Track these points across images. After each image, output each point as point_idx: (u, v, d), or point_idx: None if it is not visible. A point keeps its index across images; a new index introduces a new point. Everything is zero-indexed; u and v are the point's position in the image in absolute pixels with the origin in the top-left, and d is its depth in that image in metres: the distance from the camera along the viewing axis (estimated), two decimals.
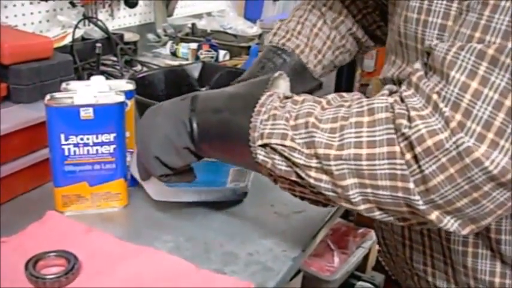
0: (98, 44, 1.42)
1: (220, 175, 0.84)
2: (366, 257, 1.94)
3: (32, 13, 1.55)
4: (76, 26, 1.47)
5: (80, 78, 1.32)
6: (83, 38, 1.53)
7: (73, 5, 1.63)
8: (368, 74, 1.47)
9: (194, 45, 1.72)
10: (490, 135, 0.51)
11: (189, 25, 1.97)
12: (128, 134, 0.85)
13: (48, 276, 0.66)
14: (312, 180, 0.60)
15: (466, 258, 0.73)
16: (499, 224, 0.69)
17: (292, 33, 0.95)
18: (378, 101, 0.57)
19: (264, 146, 0.63)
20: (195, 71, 1.15)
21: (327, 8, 0.97)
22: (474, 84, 0.52)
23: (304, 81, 0.95)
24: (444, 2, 0.64)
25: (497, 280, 0.72)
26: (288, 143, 0.60)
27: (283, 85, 0.70)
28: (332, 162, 0.57)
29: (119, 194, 0.84)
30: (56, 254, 0.69)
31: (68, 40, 1.44)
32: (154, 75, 1.12)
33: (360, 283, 1.91)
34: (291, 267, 0.74)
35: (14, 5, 1.49)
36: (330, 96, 0.63)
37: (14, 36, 1.11)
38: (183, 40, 1.84)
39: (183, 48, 1.75)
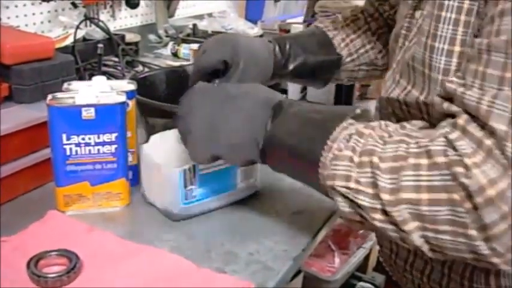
0: (100, 45, 1.43)
1: (230, 178, 0.85)
2: (366, 258, 1.94)
3: (33, 14, 1.55)
4: (77, 27, 1.47)
5: (81, 78, 1.32)
6: (84, 39, 1.53)
7: (75, 5, 1.64)
8: None
9: (195, 46, 1.72)
10: None
11: (190, 26, 1.98)
12: (129, 134, 0.85)
13: (49, 275, 0.66)
14: (377, 223, 0.59)
15: (466, 269, 0.74)
16: None
17: (325, 20, 1.02)
18: (435, 144, 0.56)
19: (330, 187, 0.62)
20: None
21: (350, 21, 1.00)
22: None
23: (325, 49, 0.98)
24: (450, 27, 0.64)
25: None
26: (352, 185, 0.59)
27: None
28: (394, 208, 0.56)
29: (120, 194, 0.85)
30: (58, 253, 0.70)
31: (69, 41, 1.44)
32: (156, 76, 1.12)
33: (361, 284, 1.90)
34: (291, 266, 0.74)
35: (16, 6, 1.50)
36: (392, 128, 0.62)
37: (16, 36, 1.11)
38: (184, 41, 1.85)
39: (184, 49, 1.76)
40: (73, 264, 0.68)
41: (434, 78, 0.67)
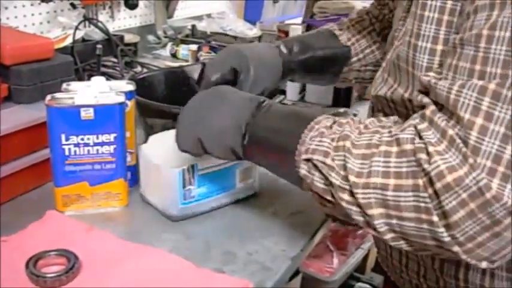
0: (99, 45, 1.43)
1: (229, 179, 0.85)
2: (365, 258, 1.94)
3: (32, 14, 1.55)
4: (76, 28, 1.48)
5: (80, 79, 1.32)
6: (83, 39, 1.53)
7: (74, 6, 1.64)
8: None
9: (194, 47, 1.72)
10: (501, 169, 0.51)
11: (189, 27, 1.98)
12: (128, 134, 0.85)
13: (48, 275, 0.66)
14: (344, 203, 0.60)
15: (458, 268, 0.74)
16: None
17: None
18: (404, 133, 0.58)
19: (307, 160, 0.64)
20: (195, 73, 1.15)
21: (355, 22, 1.02)
22: (479, 121, 0.52)
23: (329, 43, 1.00)
24: (433, 27, 0.65)
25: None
26: (328, 161, 0.61)
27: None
28: (360, 190, 0.58)
29: (119, 194, 0.85)
30: (57, 253, 0.70)
31: (68, 41, 1.44)
32: (155, 77, 1.12)
33: (359, 284, 1.90)
34: (289, 266, 0.74)
35: (15, 6, 1.50)
36: (368, 120, 0.65)
37: (15, 37, 1.11)
38: (183, 42, 1.85)
39: (183, 50, 1.76)
40: (72, 264, 0.68)
41: (417, 76, 0.68)
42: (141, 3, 1.89)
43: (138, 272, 0.69)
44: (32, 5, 1.54)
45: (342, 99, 1.37)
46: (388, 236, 0.59)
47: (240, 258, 0.74)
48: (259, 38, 1.93)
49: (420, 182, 0.54)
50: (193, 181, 0.81)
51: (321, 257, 1.81)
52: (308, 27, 1.82)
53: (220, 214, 0.85)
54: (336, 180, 0.61)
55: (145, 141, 0.88)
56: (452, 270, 0.74)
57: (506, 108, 0.52)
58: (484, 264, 0.56)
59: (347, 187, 0.60)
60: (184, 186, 0.80)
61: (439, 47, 0.65)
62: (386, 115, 0.77)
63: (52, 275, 0.66)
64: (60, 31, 1.50)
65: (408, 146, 0.56)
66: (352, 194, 0.59)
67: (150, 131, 0.95)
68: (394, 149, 0.57)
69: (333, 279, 1.74)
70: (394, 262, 0.84)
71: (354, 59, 1.01)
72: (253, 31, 1.93)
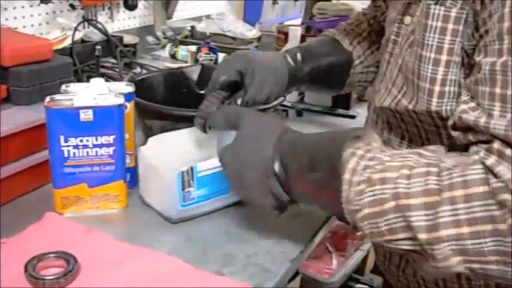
0: (98, 47, 1.43)
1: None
2: (364, 260, 1.93)
3: (31, 15, 1.55)
4: (76, 29, 1.48)
5: (79, 80, 1.32)
6: (82, 41, 1.53)
7: (73, 7, 1.64)
8: None
9: (193, 48, 1.72)
10: None
11: (189, 28, 1.98)
12: (127, 136, 0.85)
13: (47, 277, 0.66)
14: (418, 261, 0.58)
15: (460, 278, 0.74)
16: None
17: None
18: (471, 172, 0.53)
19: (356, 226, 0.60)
20: (194, 74, 1.15)
21: (354, 26, 1.02)
22: None
23: (335, 50, 1.00)
24: (437, 36, 0.64)
25: None
26: (388, 237, 0.57)
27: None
28: (434, 247, 0.54)
29: (118, 196, 0.85)
30: (55, 255, 0.70)
31: (67, 42, 1.44)
32: (154, 78, 1.12)
33: (359, 286, 1.90)
34: (289, 268, 0.74)
35: (14, 7, 1.50)
36: (410, 160, 0.58)
37: (14, 38, 1.11)
38: (182, 43, 1.85)
39: (182, 51, 1.76)
40: (71, 266, 0.68)
41: (422, 87, 0.67)
42: (140, 4, 1.89)
43: (137, 274, 0.69)
44: (31, 6, 1.54)
45: (341, 101, 1.37)
46: (471, 274, 0.56)
47: (239, 260, 0.74)
48: (259, 39, 1.93)
49: (502, 226, 0.50)
50: (193, 183, 0.80)
51: (320, 258, 1.81)
52: (307, 29, 1.82)
53: (219, 216, 0.85)
54: (403, 246, 0.56)
55: (144, 143, 0.87)
56: (454, 278, 0.74)
57: None
58: None
59: (418, 248, 0.55)
60: (183, 188, 0.80)
61: (444, 57, 0.63)
62: (391, 125, 0.76)
63: (51, 277, 0.66)
64: (59, 32, 1.50)
65: (479, 188, 0.52)
66: (425, 252, 0.55)
67: (149, 132, 0.95)
68: (460, 192, 0.53)
69: (332, 280, 1.74)
70: (391, 267, 0.84)
71: (357, 61, 1.00)
72: (252, 32, 1.93)
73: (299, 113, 1.35)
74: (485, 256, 0.52)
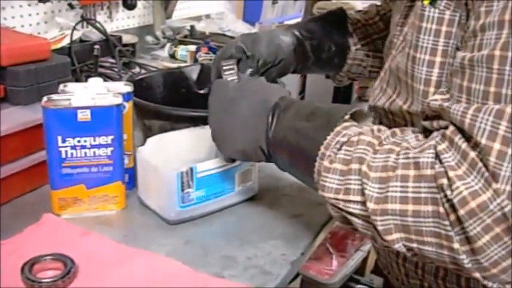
0: (96, 46, 1.42)
1: (228, 182, 0.84)
2: (364, 260, 1.93)
3: (30, 15, 1.54)
4: (74, 28, 1.47)
5: (77, 80, 1.31)
6: (81, 40, 1.52)
7: (71, 6, 1.63)
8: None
9: (193, 48, 1.72)
10: None
11: (188, 27, 1.97)
12: (125, 136, 0.84)
13: (44, 280, 0.65)
14: (361, 229, 0.61)
15: (460, 279, 0.73)
16: None
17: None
18: (424, 155, 0.56)
19: (321, 186, 0.64)
20: (193, 74, 1.15)
21: (362, 13, 1.00)
22: (497, 146, 0.51)
23: (338, 29, 0.99)
24: (431, 38, 0.64)
25: None
26: (341, 196, 0.61)
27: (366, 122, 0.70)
28: (378, 218, 0.57)
29: (116, 197, 0.84)
30: (53, 257, 0.69)
31: (66, 42, 1.43)
32: (153, 78, 1.11)
33: (359, 286, 1.90)
34: (289, 271, 0.73)
35: (12, 7, 1.49)
36: (384, 135, 0.63)
37: (12, 37, 1.10)
38: (181, 42, 1.84)
39: (182, 51, 1.75)
40: (68, 268, 0.67)
41: (416, 89, 0.67)
42: (139, 4, 1.88)
43: (135, 276, 0.68)
44: (29, 5, 1.53)
45: (341, 100, 1.36)
46: (409, 254, 0.59)
47: (239, 263, 0.73)
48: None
49: (441, 209, 0.53)
50: (192, 184, 0.80)
51: (321, 259, 1.80)
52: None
53: (219, 217, 0.84)
54: (355, 209, 0.60)
55: (143, 144, 0.87)
56: (453, 278, 0.73)
57: None
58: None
59: (365, 213, 0.59)
60: (182, 189, 0.79)
61: (438, 59, 0.64)
62: (384, 126, 0.76)
63: (48, 280, 0.65)
64: (58, 32, 1.50)
65: (427, 171, 0.55)
66: (370, 221, 0.59)
67: (148, 132, 0.94)
68: (412, 172, 0.56)
69: (332, 281, 1.73)
70: (394, 270, 0.83)
71: (359, 44, 0.99)
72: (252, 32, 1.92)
73: None
74: (423, 236, 0.55)
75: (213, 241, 0.78)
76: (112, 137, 0.80)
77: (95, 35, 1.55)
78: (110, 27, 1.79)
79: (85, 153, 0.80)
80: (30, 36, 1.29)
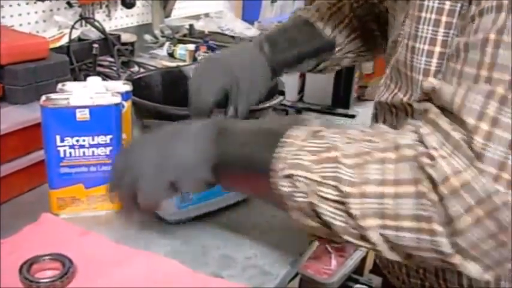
0: (95, 45, 1.41)
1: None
2: (363, 260, 1.93)
3: (28, 13, 1.54)
4: (73, 27, 1.46)
5: (76, 79, 1.31)
6: (79, 39, 1.52)
7: (70, 5, 1.62)
8: (366, 76, 1.46)
9: (192, 47, 1.71)
10: (506, 176, 0.50)
11: (187, 26, 1.97)
12: (124, 135, 0.84)
13: (42, 280, 0.65)
14: (333, 218, 0.57)
15: (461, 278, 0.73)
16: None
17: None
18: (403, 137, 0.56)
19: (288, 176, 0.59)
20: (192, 73, 1.14)
21: (336, 9, 0.97)
22: (484, 126, 0.51)
23: (312, 37, 0.97)
24: (431, 28, 0.63)
25: None
26: (314, 176, 0.57)
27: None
28: (354, 200, 0.55)
29: None
30: (51, 257, 0.69)
31: (64, 41, 1.43)
32: (152, 77, 1.11)
33: (358, 286, 1.90)
34: (289, 271, 0.73)
35: (10, 5, 1.48)
36: (350, 131, 0.61)
37: (10, 36, 1.10)
38: (180, 41, 1.84)
39: (181, 50, 1.74)
40: (66, 268, 0.67)
41: (415, 79, 0.67)
42: (138, 2, 1.87)
43: (134, 276, 0.68)
44: (27, 3, 1.53)
45: (341, 100, 1.36)
46: (383, 248, 0.56)
47: (238, 263, 0.73)
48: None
49: (422, 187, 0.52)
50: None
51: (319, 258, 1.81)
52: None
53: (217, 217, 0.84)
54: (327, 194, 0.56)
55: None
56: (455, 278, 0.73)
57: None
58: (486, 276, 0.54)
59: (338, 198, 0.56)
60: None
61: (437, 49, 0.63)
62: (386, 123, 0.75)
63: (46, 280, 0.65)
64: (56, 30, 1.49)
65: (408, 152, 0.54)
66: (342, 204, 0.56)
67: (147, 132, 0.94)
68: (391, 155, 0.55)
69: (331, 281, 1.74)
70: (395, 269, 0.83)
71: (336, 49, 0.98)
72: (251, 31, 1.92)
73: (298, 113, 1.34)
74: (402, 220, 0.53)
75: (211, 241, 0.77)
76: (111, 136, 0.80)
77: (93, 34, 1.55)
78: (109, 26, 1.79)
79: (83, 152, 0.79)
80: (29, 35, 1.28)
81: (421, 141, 0.54)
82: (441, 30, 0.63)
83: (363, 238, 0.56)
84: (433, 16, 0.63)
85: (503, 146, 0.50)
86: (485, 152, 0.50)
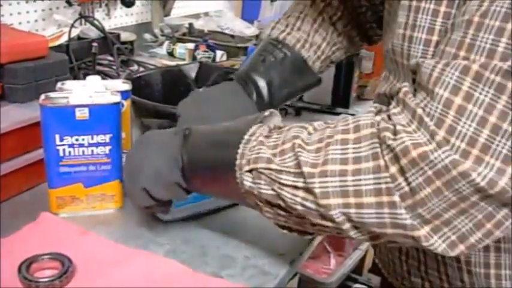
0: (94, 44, 1.41)
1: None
2: (362, 259, 1.93)
3: (27, 12, 1.54)
4: (72, 25, 1.46)
5: (75, 77, 1.31)
6: (79, 38, 1.51)
7: (69, 4, 1.62)
8: (366, 76, 1.46)
9: (191, 46, 1.71)
10: (475, 152, 0.51)
11: (186, 25, 1.96)
12: (123, 134, 0.84)
13: (41, 280, 0.65)
14: (297, 203, 0.59)
15: (462, 274, 0.73)
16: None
17: (293, 27, 0.94)
18: (363, 118, 0.58)
19: (250, 171, 0.62)
20: (192, 72, 1.14)
21: (326, 4, 0.96)
22: (458, 100, 0.52)
23: (303, 76, 0.95)
24: (429, 17, 0.64)
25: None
26: (274, 166, 0.60)
27: (276, 121, 0.70)
28: (316, 180, 0.57)
29: (114, 196, 0.83)
30: (50, 256, 0.68)
31: (63, 39, 1.43)
32: (151, 76, 1.11)
33: (356, 285, 1.90)
34: (288, 271, 0.73)
35: (10, 4, 1.48)
36: (316, 123, 0.64)
37: (10, 35, 1.10)
38: (180, 40, 1.84)
39: (180, 49, 1.74)
40: (65, 268, 0.66)
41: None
42: (137, 1, 1.87)
43: (133, 276, 0.68)
44: (27, 2, 1.53)
45: (340, 99, 1.36)
46: (346, 226, 0.57)
47: (237, 263, 0.73)
48: (257, 37, 1.92)
49: (381, 162, 0.54)
50: None
51: (318, 258, 1.81)
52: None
53: (217, 217, 0.83)
54: (287, 180, 0.59)
55: None
56: (456, 273, 0.73)
57: (486, 90, 0.51)
58: (452, 253, 0.54)
59: (300, 183, 0.58)
60: None
61: (435, 38, 0.64)
62: None
63: (45, 279, 0.65)
64: (56, 29, 1.49)
65: (368, 130, 0.56)
66: (306, 189, 0.58)
67: (146, 131, 0.94)
68: (352, 135, 0.57)
69: (330, 280, 1.74)
70: (396, 267, 0.83)
71: (317, 64, 0.97)
72: (250, 30, 1.92)
73: (298, 112, 1.34)
74: (362, 197, 0.55)
75: (211, 241, 0.77)
76: (110, 135, 0.80)
77: (93, 33, 1.55)
78: (108, 25, 1.79)
79: (83, 151, 0.79)
80: (28, 33, 1.28)
81: (390, 119, 0.56)
82: (439, 20, 0.63)
83: (326, 218, 0.58)
84: (432, 6, 0.63)
85: (474, 122, 0.51)
86: (456, 126, 0.51)
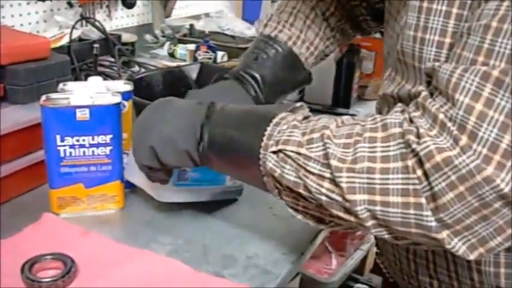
0: (96, 45, 1.41)
1: (220, 173, 0.83)
2: (364, 260, 1.93)
3: (29, 13, 1.54)
4: (73, 27, 1.46)
5: (77, 79, 1.31)
6: (80, 39, 1.52)
7: (70, 5, 1.62)
8: (366, 76, 1.46)
9: (192, 47, 1.71)
10: (497, 157, 0.51)
11: (187, 26, 1.97)
12: (125, 135, 0.84)
13: (44, 280, 0.65)
14: (322, 194, 0.59)
15: (472, 272, 0.73)
16: None
17: (285, 24, 0.95)
18: (391, 117, 0.58)
19: (276, 152, 0.62)
20: (193, 72, 1.14)
21: (310, 22, 0.96)
22: (479, 106, 0.52)
23: (295, 72, 0.96)
24: (441, 19, 0.64)
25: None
26: (303, 151, 0.60)
27: (305, 113, 0.69)
28: (344, 174, 0.57)
29: (115, 196, 0.83)
30: (53, 256, 0.69)
31: (65, 40, 1.43)
32: (152, 76, 1.11)
33: (358, 285, 1.90)
34: (290, 270, 0.73)
35: (11, 5, 1.48)
36: (344, 117, 0.64)
37: (11, 36, 1.10)
38: (180, 41, 1.84)
39: (181, 50, 1.75)
40: (68, 268, 0.67)
41: (424, 70, 0.66)
42: (138, 2, 1.88)
43: (135, 276, 0.68)
44: (28, 3, 1.53)
45: (341, 100, 1.36)
46: (369, 223, 0.57)
47: (239, 262, 0.73)
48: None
49: (409, 163, 0.54)
50: None
51: (320, 258, 1.80)
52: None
53: (219, 217, 0.84)
54: (314, 168, 0.59)
55: None
56: (465, 271, 0.73)
57: (508, 96, 0.51)
58: (471, 256, 0.55)
59: (327, 174, 0.58)
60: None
61: (447, 40, 0.63)
62: None
63: (48, 279, 0.65)
64: (57, 30, 1.49)
65: (396, 130, 0.56)
66: (332, 181, 0.58)
67: None
68: (380, 134, 0.57)
69: (331, 280, 1.73)
70: (403, 266, 0.82)
71: (311, 60, 0.98)
72: (251, 31, 1.92)
73: None
74: (389, 195, 0.55)
75: (213, 241, 0.77)
76: (111, 136, 0.80)
77: (94, 34, 1.55)
78: (109, 26, 1.79)
79: (84, 152, 0.79)
80: (30, 35, 1.28)
81: (410, 120, 0.56)
82: (451, 22, 0.63)
83: (351, 212, 0.58)
84: (444, 8, 0.63)
85: (496, 128, 0.51)
86: (478, 132, 0.51)
